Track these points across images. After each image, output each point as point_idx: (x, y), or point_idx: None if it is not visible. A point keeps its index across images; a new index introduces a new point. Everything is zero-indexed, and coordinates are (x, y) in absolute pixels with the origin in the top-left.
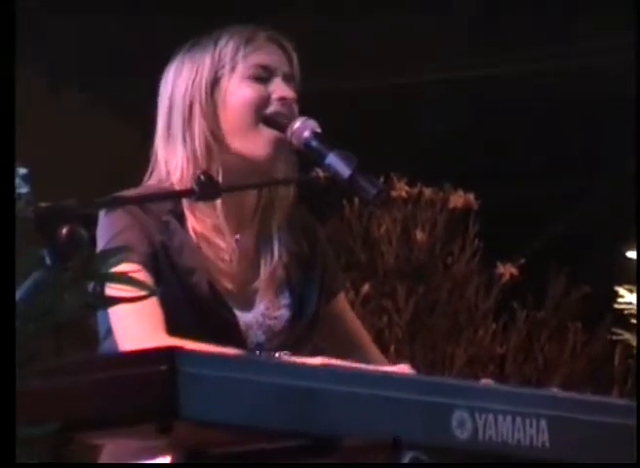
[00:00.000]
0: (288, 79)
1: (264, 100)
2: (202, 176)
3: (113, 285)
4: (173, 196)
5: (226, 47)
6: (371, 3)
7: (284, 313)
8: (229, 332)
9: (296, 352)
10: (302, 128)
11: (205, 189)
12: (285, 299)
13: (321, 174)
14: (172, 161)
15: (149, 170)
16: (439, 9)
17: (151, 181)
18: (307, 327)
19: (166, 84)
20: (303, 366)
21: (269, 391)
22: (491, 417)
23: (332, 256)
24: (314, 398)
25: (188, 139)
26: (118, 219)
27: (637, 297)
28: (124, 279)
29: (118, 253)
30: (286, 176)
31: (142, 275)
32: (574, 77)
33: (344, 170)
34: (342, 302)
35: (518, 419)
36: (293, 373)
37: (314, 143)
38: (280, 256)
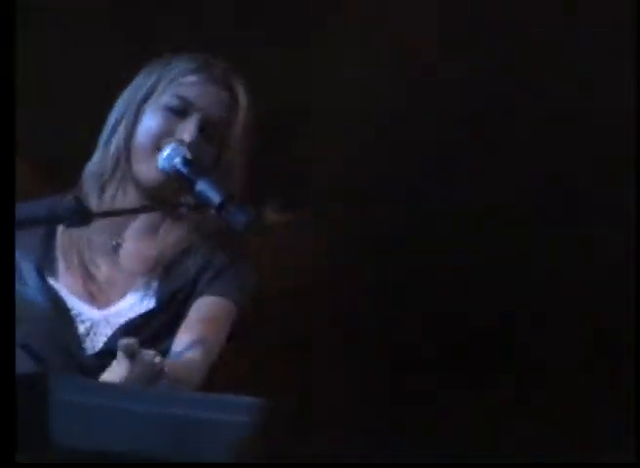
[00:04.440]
0: (209, 122)
1: (164, 136)
2: (73, 201)
3: None
4: (41, 222)
5: (168, 74)
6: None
7: (141, 309)
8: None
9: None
10: (173, 154)
11: (75, 215)
12: (146, 297)
13: (191, 200)
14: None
15: None
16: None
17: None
18: (167, 323)
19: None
20: (164, 392)
21: (134, 417)
22: None
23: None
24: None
25: (104, 155)
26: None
27: (636, 304)
28: None
29: None
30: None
31: None
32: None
33: (215, 196)
34: (204, 304)
35: None
36: (157, 400)
37: (184, 170)
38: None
